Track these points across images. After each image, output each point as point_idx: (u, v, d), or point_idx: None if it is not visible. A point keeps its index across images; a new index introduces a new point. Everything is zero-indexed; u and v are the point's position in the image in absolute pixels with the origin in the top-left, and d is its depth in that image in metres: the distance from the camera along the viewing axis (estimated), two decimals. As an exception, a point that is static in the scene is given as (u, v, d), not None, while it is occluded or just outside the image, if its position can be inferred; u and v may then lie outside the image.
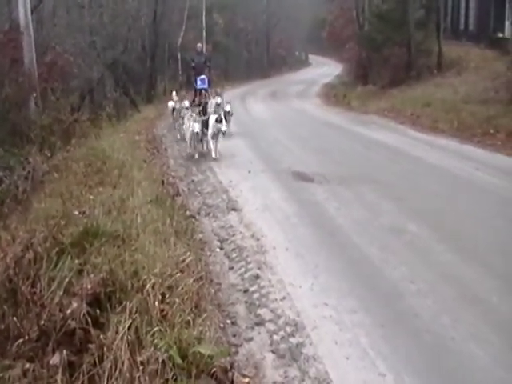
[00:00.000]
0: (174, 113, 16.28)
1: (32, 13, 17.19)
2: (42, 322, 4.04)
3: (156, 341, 4.00)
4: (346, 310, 5.12)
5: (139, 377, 3.64)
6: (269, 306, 5.29)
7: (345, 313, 5.06)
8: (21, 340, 3.94)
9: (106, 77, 27.32)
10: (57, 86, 18.86)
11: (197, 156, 12.59)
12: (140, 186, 8.24)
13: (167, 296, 4.69)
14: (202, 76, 19.92)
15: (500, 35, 24.58)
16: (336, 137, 15.25)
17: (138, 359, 3.75)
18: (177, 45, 33.81)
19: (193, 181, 10.45)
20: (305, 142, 14.01)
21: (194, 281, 5.20)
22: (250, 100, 27.37)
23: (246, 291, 5.64)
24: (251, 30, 51.62)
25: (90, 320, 4.04)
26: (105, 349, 3.80)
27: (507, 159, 11.28)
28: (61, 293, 4.37)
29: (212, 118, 12.41)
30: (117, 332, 3.94)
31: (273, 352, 4.50)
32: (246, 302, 5.41)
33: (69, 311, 4.07)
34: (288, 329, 4.83)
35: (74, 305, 4.13)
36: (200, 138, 12.73)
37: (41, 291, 4.44)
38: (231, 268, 6.27)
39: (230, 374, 3.99)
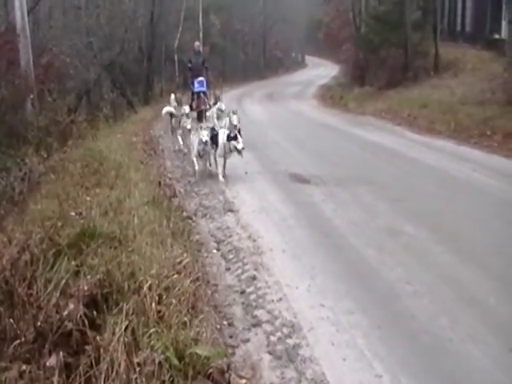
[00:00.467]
0: (173, 120, 14.04)
1: (28, 15, 17.22)
2: (39, 324, 4.03)
3: (153, 342, 3.99)
4: (342, 311, 5.11)
5: (136, 378, 3.63)
6: (265, 307, 5.28)
7: (342, 314, 5.06)
8: (17, 342, 3.94)
9: (102, 78, 27.37)
10: (53, 88, 18.88)
11: (196, 177, 10.63)
12: (137, 187, 8.22)
13: (164, 297, 4.68)
14: (200, 78, 18.46)
15: (496, 36, 24.63)
16: (333, 138, 15.25)
17: (135, 360, 3.75)
18: (174, 46, 33.77)
19: (189, 182, 10.44)
20: (301, 144, 14.01)
21: (190, 282, 5.19)
22: (247, 101, 27.36)
23: (242, 292, 5.63)
24: (248, 31, 51.69)
25: (86, 321, 4.04)
26: (101, 350, 3.79)
27: (504, 160, 11.29)
28: (57, 294, 4.37)
29: (222, 134, 10.35)
30: (113, 333, 3.93)
31: (270, 353, 4.49)
32: (242, 303, 5.40)
33: (65, 313, 4.06)
34: (285, 330, 4.83)
35: (71, 306, 4.12)
36: (206, 150, 10.63)
37: (37, 293, 4.44)
38: (228, 269, 6.26)
39: (226, 375, 3.98)
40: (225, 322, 5.02)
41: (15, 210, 8.31)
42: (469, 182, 9.60)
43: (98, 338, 3.92)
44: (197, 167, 10.71)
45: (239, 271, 6.17)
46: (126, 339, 3.91)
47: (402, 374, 4.13)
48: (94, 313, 4.19)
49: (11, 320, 4.14)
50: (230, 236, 7.30)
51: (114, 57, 27.11)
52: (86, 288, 4.37)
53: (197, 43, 20.73)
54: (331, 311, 5.11)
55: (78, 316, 4.04)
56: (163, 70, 35.34)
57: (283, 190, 9.40)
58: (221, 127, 11.31)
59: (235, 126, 11.80)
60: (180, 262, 5.58)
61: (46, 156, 12.50)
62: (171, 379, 3.74)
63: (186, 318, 4.43)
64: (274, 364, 4.34)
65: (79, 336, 3.95)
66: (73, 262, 4.97)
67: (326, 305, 5.24)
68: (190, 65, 19.16)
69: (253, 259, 6.42)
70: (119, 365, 3.68)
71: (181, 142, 13.40)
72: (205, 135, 10.32)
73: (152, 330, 4.11)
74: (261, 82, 43.98)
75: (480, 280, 5.67)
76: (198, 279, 5.46)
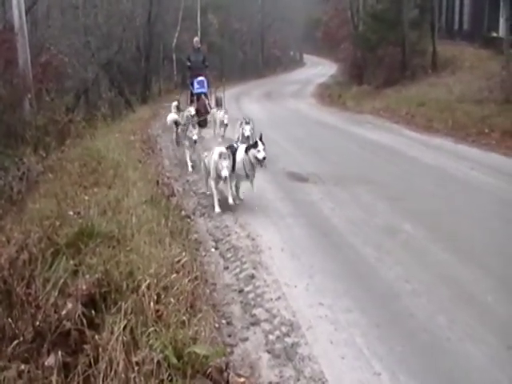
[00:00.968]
0: (179, 128, 12.25)
1: (26, 14, 17.18)
2: (37, 323, 4.03)
3: (151, 341, 3.99)
4: (341, 309, 5.12)
5: (134, 377, 3.64)
6: (264, 305, 5.29)
7: (340, 312, 5.06)
8: (16, 341, 3.93)
9: (100, 77, 27.36)
10: (51, 87, 18.85)
11: (216, 210, 8.29)
12: (135, 187, 8.22)
13: (162, 296, 4.68)
14: (200, 78, 17.03)
15: (494, 34, 24.62)
16: (331, 137, 15.24)
17: (134, 360, 3.75)
18: (171, 45, 33.75)
19: (187, 181, 10.43)
20: (300, 143, 13.99)
21: (189, 281, 5.19)
22: (245, 100, 27.32)
23: (241, 291, 5.64)
24: (246, 30, 51.62)
25: (85, 321, 4.04)
26: (100, 349, 3.80)
27: (502, 158, 11.30)
28: (56, 294, 4.37)
29: (241, 151, 8.26)
30: (112, 333, 3.93)
31: (268, 352, 4.49)
32: (241, 302, 5.40)
33: (64, 312, 4.06)
34: (283, 329, 4.83)
35: (69, 306, 4.12)
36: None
37: (36, 292, 4.44)
38: (226, 268, 6.26)
39: (225, 374, 3.99)
40: (223, 321, 5.03)
41: (13, 210, 8.30)
42: (467, 180, 9.61)
43: (96, 337, 3.92)
44: (216, 197, 8.42)
45: (238, 270, 6.17)
46: (125, 338, 3.91)
47: (400, 373, 4.14)
48: (93, 312, 4.20)
49: (10, 319, 4.14)
50: (229, 235, 7.30)
51: (112, 56, 27.10)
52: (84, 287, 4.37)
53: (196, 39, 19.06)
54: (330, 310, 5.12)
55: (77, 315, 4.04)
56: (161, 69, 35.37)
57: (281, 189, 9.40)
58: (236, 143, 8.96)
59: (248, 138, 10.72)
60: (178, 261, 5.58)
61: (44, 155, 12.48)
62: (170, 378, 3.74)
63: (184, 317, 4.44)
64: (273, 363, 4.34)
65: (78, 335, 3.95)
66: (71, 262, 4.97)
67: (324, 303, 5.24)
68: (189, 63, 17.78)
69: (251, 258, 6.42)
70: (118, 364, 3.69)
71: (190, 165, 11.22)
72: (225, 167, 7.96)
73: (150, 329, 4.11)
74: (259, 80, 43.92)
75: (478, 279, 5.68)
76: (196, 278, 5.46)
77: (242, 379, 4.05)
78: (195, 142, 10.78)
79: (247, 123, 11.14)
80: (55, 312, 4.10)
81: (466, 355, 4.35)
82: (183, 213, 8.17)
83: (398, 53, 24.69)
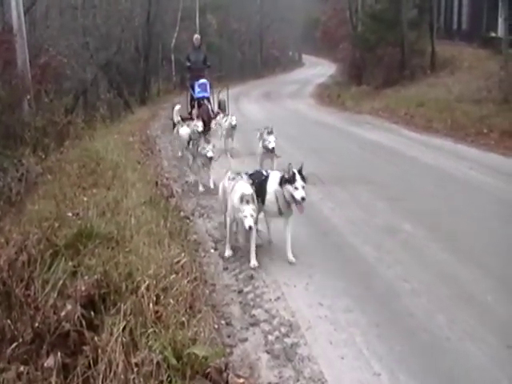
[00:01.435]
0: (191, 143, 10.53)
1: (25, 15, 17.15)
2: (36, 325, 4.02)
3: (150, 342, 3.98)
4: (340, 309, 5.12)
5: (134, 378, 3.63)
6: (263, 306, 5.29)
7: (340, 312, 5.06)
8: (15, 343, 3.92)
9: (99, 78, 27.34)
10: (50, 88, 18.80)
11: (228, 253, 6.60)
12: (134, 188, 8.22)
13: (162, 297, 4.67)
14: (202, 80, 15.11)
15: (493, 34, 24.65)
16: (330, 137, 15.25)
17: (133, 361, 3.74)
18: (170, 46, 33.79)
19: (186, 182, 10.41)
20: (299, 143, 13.97)
21: (188, 282, 5.19)
22: (244, 101, 27.32)
23: (240, 292, 5.63)
24: (245, 30, 51.64)
25: (84, 322, 4.03)
26: (99, 351, 3.79)
27: (500, 158, 11.33)
28: (55, 295, 4.36)
29: (274, 180, 6.36)
30: (111, 334, 3.93)
31: (267, 352, 4.49)
32: (240, 303, 5.40)
33: (63, 313, 4.05)
34: (283, 329, 4.83)
35: (68, 307, 4.11)
36: None
37: (35, 293, 4.43)
38: (225, 269, 6.25)
39: (224, 374, 3.98)
40: (223, 322, 5.02)
41: (12, 211, 8.28)
42: (466, 180, 9.62)
43: (95, 338, 3.91)
44: (229, 236, 6.71)
45: (237, 270, 6.17)
46: (124, 339, 3.90)
47: (400, 372, 4.13)
48: (92, 313, 4.18)
49: (9, 321, 4.12)
50: (228, 235, 7.28)
51: (111, 57, 27.09)
52: (83, 288, 4.36)
53: (196, 36, 16.96)
54: (329, 310, 5.12)
55: (76, 317, 4.03)
56: (160, 69, 35.39)
57: (281, 189, 9.36)
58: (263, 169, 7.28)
59: (271, 150, 9.03)
60: (177, 262, 5.57)
61: (43, 156, 12.45)
62: (169, 379, 3.74)
63: (183, 318, 4.43)
64: (272, 363, 4.34)
65: (77, 337, 3.94)
66: (70, 263, 4.96)
67: (323, 303, 5.24)
68: (188, 63, 15.92)
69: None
70: (117, 365, 3.68)
71: (201, 185, 9.64)
72: (248, 216, 5.96)
73: (150, 331, 4.11)
74: (258, 81, 43.92)
75: (478, 278, 5.68)
76: (195, 279, 5.45)
77: (242, 380, 4.04)
78: (211, 159, 9.32)
79: (270, 133, 9.29)
80: (54, 313, 4.09)
81: (466, 355, 4.35)
82: (182, 214, 8.16)
83: (397, 53, 24.70)
